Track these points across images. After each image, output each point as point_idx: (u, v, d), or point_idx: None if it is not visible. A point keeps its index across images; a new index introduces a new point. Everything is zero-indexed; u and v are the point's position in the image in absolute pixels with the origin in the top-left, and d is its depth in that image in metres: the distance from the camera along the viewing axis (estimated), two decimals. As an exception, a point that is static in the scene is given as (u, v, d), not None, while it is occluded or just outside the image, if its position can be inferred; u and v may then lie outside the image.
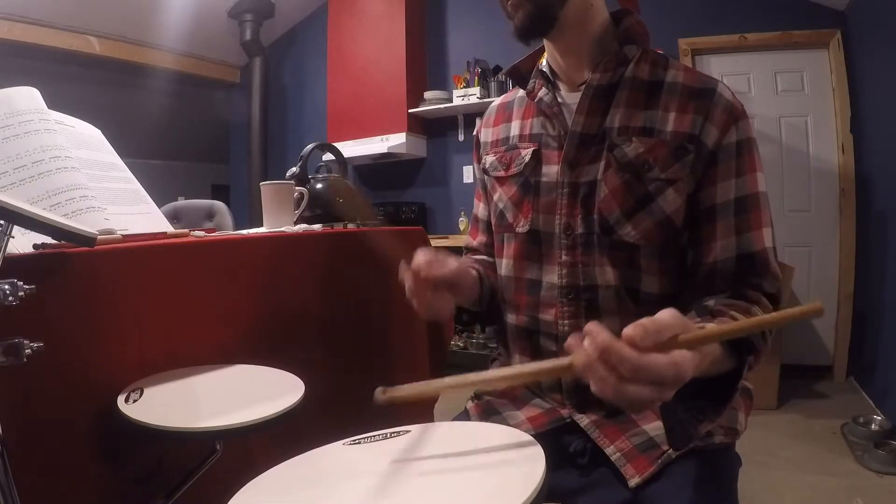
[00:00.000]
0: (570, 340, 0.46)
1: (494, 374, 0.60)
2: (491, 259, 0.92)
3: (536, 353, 0.80)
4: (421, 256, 0.70)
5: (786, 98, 3.01)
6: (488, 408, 0.84)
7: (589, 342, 0.44)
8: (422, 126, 3.83)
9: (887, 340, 2.42)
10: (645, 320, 0.44)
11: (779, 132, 3.02)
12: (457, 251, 0.86)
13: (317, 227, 1.21)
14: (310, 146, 1.39)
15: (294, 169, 1.33)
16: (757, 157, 0.72)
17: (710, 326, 0.49)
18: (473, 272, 0.85)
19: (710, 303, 0.65)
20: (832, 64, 2.87)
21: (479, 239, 0.96)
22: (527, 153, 0.81)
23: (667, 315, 0.45)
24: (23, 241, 0.68)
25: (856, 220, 2.84)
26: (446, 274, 0.71)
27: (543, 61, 0.83)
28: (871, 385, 2.59)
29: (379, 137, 3.68)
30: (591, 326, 0.44)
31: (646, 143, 0.71)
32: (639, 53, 0.75)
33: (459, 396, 0.77)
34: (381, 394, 0.54)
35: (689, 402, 0.57)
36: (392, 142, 3.63)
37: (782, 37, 2.94)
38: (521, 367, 0.53)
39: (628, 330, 0.43)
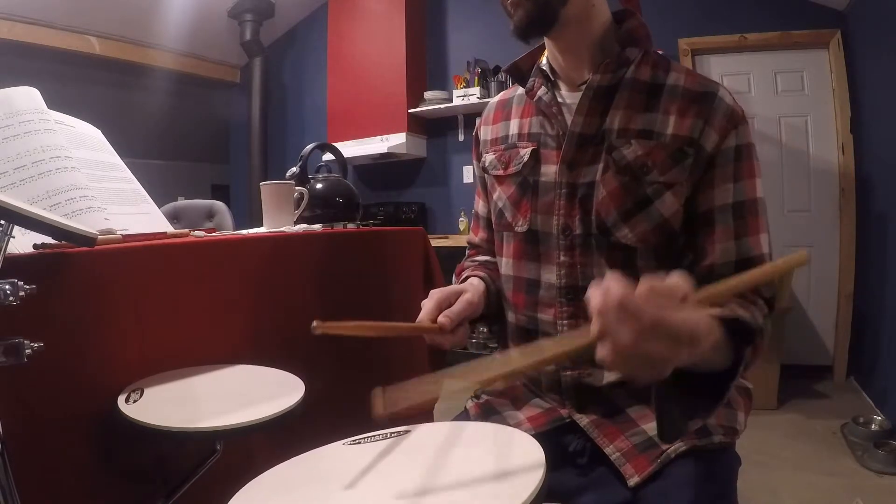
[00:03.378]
0: (591, 291, 0.44)
1: (510, 362, 0.54)
2: (494, 259, 0.92)
3: (536, 353, 0.80)
4: (431, 308, 0.70)
5: (786, 98, 3.01)
6: (488, 408, 0.84)
7: (606, 294, 0.42)
8: (422, 126, 3.83)
9: (887, 340, 2.42)
10: (654, 281, 0.42)
11: (779, 132, 3.02)
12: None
13: (317, 227, 1.21)
14: (310, 146, 1.39)
15: (294, 169, 1.33)
16: (756, 163, 0.71)
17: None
18: (481, 286, 0.83)
19: None
20: (832, 64, 2.87)
21: (481, 235, 0.97)
22: (525, 152, 0.81)
23: (675, 277, 0.44)
24: (23, 241, 0.68)
25: (856, 220, 2.84)
26: (461, 313, 0.71)
27: (543, 59, 0.83)
28: (871, 385, 2.59)
29: (379, 137, 3.68)
30: (609, 280, 0.43)
31: (645, 145, 0.71)
32: (640, 55, 0.75)
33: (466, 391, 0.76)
34: (380, 407, 0.49)
35: (683, 399, 0.56)
36: (392, 142, 3.63)
37: (782, 37, 2.94)
38: (542, 349, 0.51)
39: (641, 287, 0.42)
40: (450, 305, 0.71)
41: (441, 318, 0.68)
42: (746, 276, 0.48)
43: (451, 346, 0.72)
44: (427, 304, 0.71)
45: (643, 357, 0.42)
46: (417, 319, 0.70)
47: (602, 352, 0.43)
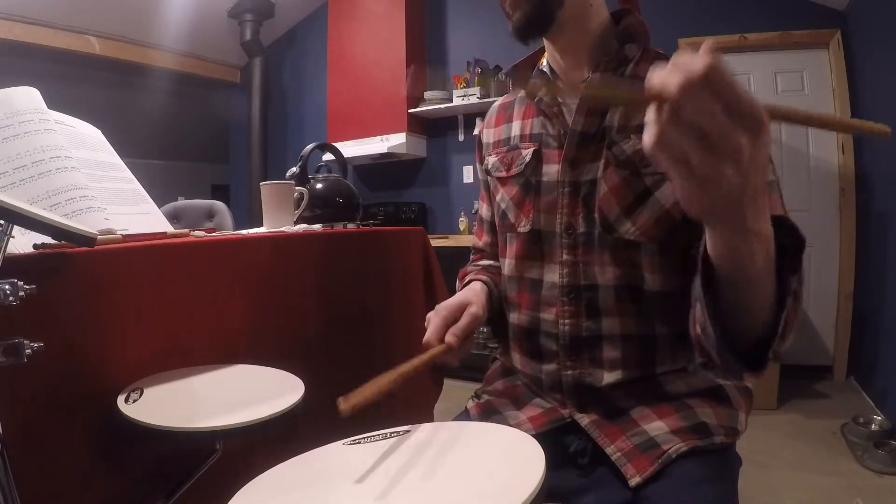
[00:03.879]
0: (650, 73, 0.36)
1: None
2: (497, 263, 0.92)
3: (536, 353, 0.80)
4: (438, 326, 0.70)
5: (786, 98, 3.01)
6: (488, 408, 0.84)
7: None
8: (422, 126, 3.83)
9: (887, 340, 2.42)
10: None
11: (779, 132, 3.01)
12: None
13: (317, 227, 1.21)
14: (310, 146, 1.39)
15: (294, 169, 1.33)
16: None
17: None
18: (483, 291, 0.83)
19: None
20: (832, 64, 2.87)
21: (485, 240, 0.97)
22: (527, 153, 0.81)
23: None
24: (23, 241, 0.68)
25: (856, 220, 2.84)
26: (467, 328, 0.72)
27: (543, 61, 0.83)
28: (871, 385, 2.59)
29: (379, 137, 3.68)
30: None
31: None
32: (639, 53, 0.75)
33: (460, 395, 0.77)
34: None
35: (736, 354, 0.51)
36: (392, 142, 3.63)
37: (782, 37, 2.94)
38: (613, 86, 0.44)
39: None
40: (455, 321, 0.72)
41: (449, 338, 0.69)
42: (818, 115, 0.38)
43: (459, 361, 0.73)
44: (434, 322, 0.71)
45: (696, 128, 0.33)
46: (424, 338, 0.70)
47: (649, 115, 0.36)
